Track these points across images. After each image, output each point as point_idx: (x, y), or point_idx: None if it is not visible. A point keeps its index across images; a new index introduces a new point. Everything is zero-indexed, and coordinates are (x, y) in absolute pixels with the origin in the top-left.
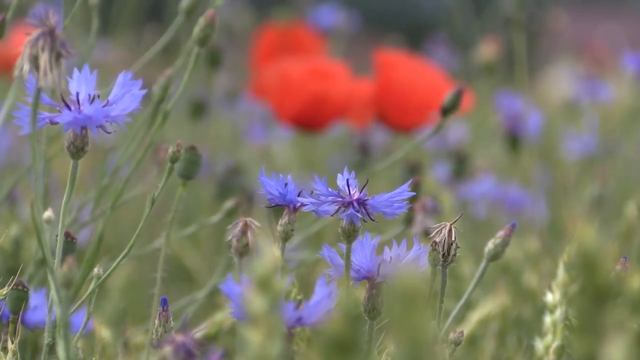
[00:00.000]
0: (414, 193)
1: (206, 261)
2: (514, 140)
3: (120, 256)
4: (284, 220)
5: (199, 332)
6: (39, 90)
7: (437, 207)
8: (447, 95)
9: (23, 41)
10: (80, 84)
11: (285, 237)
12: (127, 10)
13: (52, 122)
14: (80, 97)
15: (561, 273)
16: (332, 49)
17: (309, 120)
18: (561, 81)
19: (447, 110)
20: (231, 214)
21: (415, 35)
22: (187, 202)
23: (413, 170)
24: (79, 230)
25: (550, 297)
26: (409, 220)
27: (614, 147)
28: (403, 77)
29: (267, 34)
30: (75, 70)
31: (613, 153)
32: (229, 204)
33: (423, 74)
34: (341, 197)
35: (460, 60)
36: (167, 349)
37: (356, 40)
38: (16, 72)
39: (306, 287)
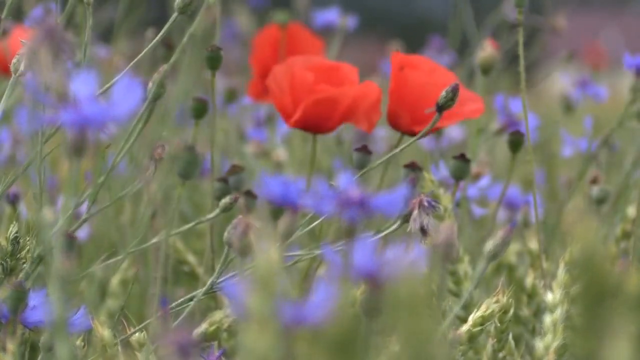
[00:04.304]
0: (413, 191)
1: (208, 258)
2: (514, 140)
3: (119, 258)
4: (285, 220)
5: (197, 331)
6: (37, 90)
7: (434, 204)
8: (443, 92)
9: (22, 41)
10: (80, 83)
11: (287, 237)
12: (130, 15)
13: (51, 122)
14: (80, 97)
15: (561, 272)
16: (331, 49)
17: (317, 123)
18: (560, 81)
19: (442, 107)
20: (227, 210)
21: (415, 35)
22: (186, 201)
23: (412, 169)
24: (78, 228)
25: (550, 297)
26: (406, 217)
27: (613, 147)
28: (419, 80)
29: (268, 35)
30: (75, 71)
31: (612, 153)
32: (225, 200)
33: (439, 77)
34: (341, 196)
35: (459, 60)
36: (164, 347)
37: (355, 40)
38: (14, 71)
39: (306, 287)
